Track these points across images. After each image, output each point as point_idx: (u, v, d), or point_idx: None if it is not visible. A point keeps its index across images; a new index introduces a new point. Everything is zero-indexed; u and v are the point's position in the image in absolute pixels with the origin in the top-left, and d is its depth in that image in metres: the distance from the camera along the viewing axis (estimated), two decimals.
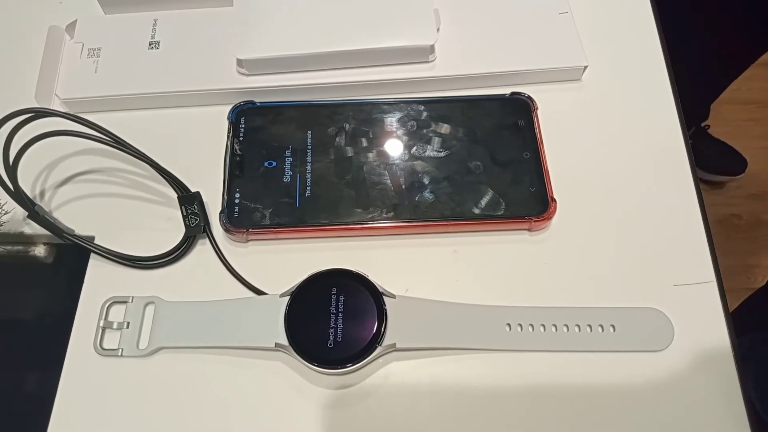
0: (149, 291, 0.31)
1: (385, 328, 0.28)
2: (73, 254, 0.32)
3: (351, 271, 0.29)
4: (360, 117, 0.34)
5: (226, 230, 0.31)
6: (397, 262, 0.32)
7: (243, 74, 0.35)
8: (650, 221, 0.33)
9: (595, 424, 0.28)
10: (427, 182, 0.32)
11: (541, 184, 0.32)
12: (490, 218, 0.32)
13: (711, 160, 1.09)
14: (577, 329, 0.29)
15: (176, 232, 0.32)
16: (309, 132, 0.34)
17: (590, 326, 0.29)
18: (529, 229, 0.32)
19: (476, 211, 0.32)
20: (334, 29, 0.35)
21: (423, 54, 0.35)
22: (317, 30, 0.35)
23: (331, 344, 0.28)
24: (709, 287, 0.31)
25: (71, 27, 0.38)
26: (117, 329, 0.30)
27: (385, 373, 0.29)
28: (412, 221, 0.31)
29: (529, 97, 0.35)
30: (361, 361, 0.27)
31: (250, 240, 0.32)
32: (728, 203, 1.11)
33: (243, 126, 0.34)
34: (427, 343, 0.29)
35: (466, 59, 0.36)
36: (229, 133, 0.34)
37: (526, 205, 0.32)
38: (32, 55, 0.36)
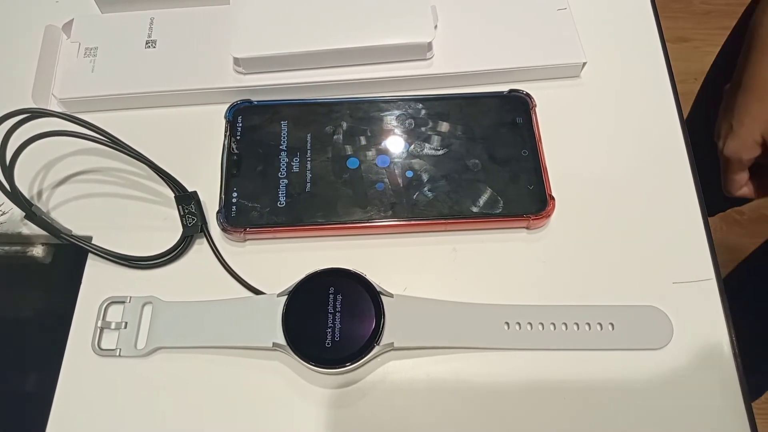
0: (147, 291, 0.31)
1: (383, 328, 0.28)
2: (70, 254, 0.32)
3: (349, 270, 0.29)
4: (357, 115, 0.34)
5: (224, 230, 0.31)
6: (395, 260, 0.32)
7: (240, 73, 0.35)
8: (649, 218, 0.33)
9: (594, 422, 0.28)
10: (425, 180, 0.32)
11: (540, 181, 0.32)
12: (488, 216, 0.31)
13: None
14: (575, 327, 0.29)
15: (174, 232, 0.32)
16: (306, 130, 0.34)
17: (589, 324, 0.29)
18: (527, 227, 0.32)
19: (474, 209, 0.32)
20: (331, 27, 0.35)
21: (420, 51, 0.35)
22: (314, 28, 0.35)
23: (328, 344, 0.27)
24: (708, 285, 0.31)
25: (68, 26, 0.38)
26: (115, 329, 0.30)
27: (383, 372, 0.29)
28: (410, 220, 0.31)
29: (528, 95, 0.35)
30: (359, 360, 0.27)
31: (248, 239, 0.32)
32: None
33: (240, 125, 0.34)
34: (426, 342, 0.29)
35: (464, 56, 0.36)
36: (226, 132, 0.34)
37: (524, 203, 0.32)
38: (29, 54, 0.36)
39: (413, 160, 0.33)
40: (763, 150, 0.36)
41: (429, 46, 0.35)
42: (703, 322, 0.30)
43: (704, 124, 0.47)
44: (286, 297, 0.29)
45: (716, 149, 0.41)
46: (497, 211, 0.31)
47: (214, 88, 0.35)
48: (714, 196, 0.40)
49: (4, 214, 0.33)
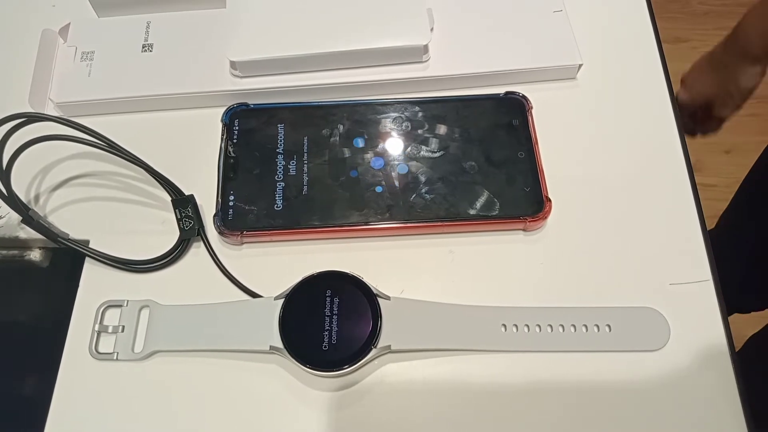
0: (144, 294, 0.31)
1: (379, 330, 0.28)
2: (68, 258, 0.32)
3: (345, 273, 0.29)
4: (354, 118, 0.34)
5: (221, 233, 0.31)
6: (392, 263, 0.32)
7: (236, 76, 0.35)
8: (646, 220, 0.33)
9: (592, 423, 0.28)
10: (421, 183, 0.32)
11: (536, 183, 0.32)
12: (485, 218, 0.31)
13: None
14: (572, 329, 0.29)
15: (171, 236, 0.32)
16: (303, 133, 0.34)
17: (586, 326, 0.29)
18: (524, 229, 0.32)
19: (471, 211, 0.32)
20: (328, 30, 0.35)
21: (417, 54, 0.35)
22: (310, 31, 0.35)
23: (325, 346, 0.27)
24: (705, 286, 0.31)
25: (64, 30, 0.38)
26: (112, 333, 0.30)
27: (380, 375, 0.29)
28: (407, 222, 0.31)
29: (524, 97, 0.35)
30: (356, 363, 0.27)
31: (245, 242, 0.32)
32: (725, 199, 1.11)
33: (237, 128, 0.34)
34: (423, 344, 0.29)
35: (460, 59, 0.36)
36: (222, 135, 0.34)
37: (521, 204, 0.32)
38: (26, 58, 0.36)
39: (410, 163, 0.33)
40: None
41: (425, 49, 0.35)
42: (700, 324, 0.30)
43: (731, 232, 0.52)
44: (283, 300, 0.29)
45: (740, 251, 0.53)
46: (494, 213, 0.32)
47: (211, 91, 0.35)
48: (736, 296, 0.44)
49: (1, 218, 0.33)
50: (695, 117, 0.52)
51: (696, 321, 0.30)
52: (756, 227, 0.59)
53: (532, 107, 0.34)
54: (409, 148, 0.33)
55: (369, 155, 0.33)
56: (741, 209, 0.64)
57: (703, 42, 1.23)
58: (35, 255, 0.34)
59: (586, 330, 0.29)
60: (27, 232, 0.33)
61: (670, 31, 1.23)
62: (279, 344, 0.28)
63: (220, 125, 0.34)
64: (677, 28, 1.24)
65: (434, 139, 0.34)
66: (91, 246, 0.32)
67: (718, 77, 0.50)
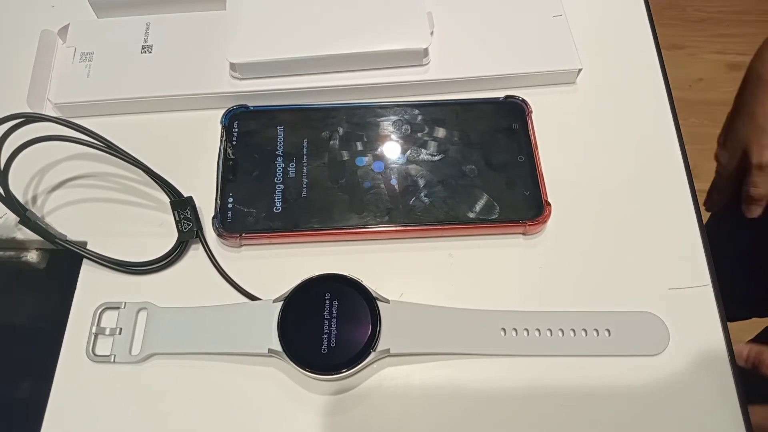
0: (142, 297, 0.30)
1: (378, 334, 0.28)
2: (65, 260, 0.32)
3: (345, 276, 0.29)
4: (354, 121, 0.34)
5: (219, 235, 0.31)
6: (391, 266, 0.31)
7: (236, 78, 0.35)
8: (645, 224, 0.33)
9: (591, 428, 0.28)
10: (421, 186, 0.32)
11: (536, 187, 0.32)
12: (484, 222, 0.31)
13: None
14: (572, 334, 0.29)
15: (169, 238, 0.32)
16: (302, 136, 0.34)
17: (585, 330, 0.29)
18: (523, 233, 0.32)
19: (471, 215, 0.32)
20: (328, 32, 0.35)
21: (417, 57, 0.35)
22: (310, 33, 0.35)
23: (324, 350, 0.27)
24: (704, 291, 0.31)
25: (63, 31, 0.37)
26: (109, 335, 0.30)
27: (379, 379, 0.29)
28: (407, 225, 0.31)
29: (524, 101, 0.35)
30: (355, 366, 0.27)
31: (244, 245, 0.32)
32: None
33: (236, 130, 0.34)
34: (422, 348, 0.29)
35: (461, 62, 0.36)
36: (222, 137, 0.34)
37: (520, 208, 0.32)
38: (24, 59, 0.36)
39: (409, 166, 0.33)
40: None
41: (425, 52, 0.35)
42: (699, 328, 0.30)
43: (725, 237, 0.52)
44: (281, 303, 0.28)
45: (737, 261, 0.49)
46: (493, 217, 0.31)
47: (210, 93, 0.35)
48: (736, 306, 0.42)
49: None
50: (737, 178, 0.45)
51: (695, 326, 0.30)
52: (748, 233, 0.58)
53: (531, 111, 0.34)
54: (408, 152, 0.33)
55: (368, 158, 0.33)
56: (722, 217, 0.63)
57: (699, 48, 1.23)
58: (32, 256, 0.34)
59: (586, 334, 0.29)
60: (24, 233, 0.32)
61: (667, 37, 1.23)
62: (277, 347, 0.28)
63: (219, 127, 0.34)
64: (674, 35, 1.25)
65: (434, 143, 0.34)
66: (88, 247, 0.32)
67: (747, 118, 0.44)
